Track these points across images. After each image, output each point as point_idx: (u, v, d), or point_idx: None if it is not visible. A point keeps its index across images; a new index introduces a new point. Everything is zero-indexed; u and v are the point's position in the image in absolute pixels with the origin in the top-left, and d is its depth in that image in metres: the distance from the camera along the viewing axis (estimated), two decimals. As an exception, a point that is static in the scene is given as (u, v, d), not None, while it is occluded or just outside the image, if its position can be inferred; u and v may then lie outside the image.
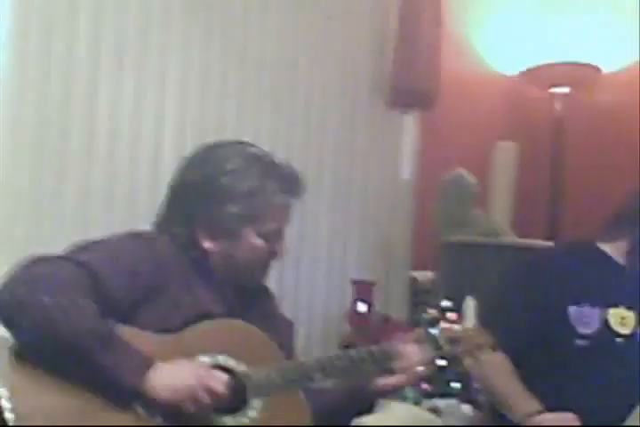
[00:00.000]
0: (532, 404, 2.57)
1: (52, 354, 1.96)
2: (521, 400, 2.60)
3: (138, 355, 1.98)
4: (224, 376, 2.03)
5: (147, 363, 1.98)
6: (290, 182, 2.19)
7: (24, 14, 3.24)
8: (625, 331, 2.65)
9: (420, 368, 2.20)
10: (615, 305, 2.66)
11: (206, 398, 1.98)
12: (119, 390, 1.96)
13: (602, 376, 2.59)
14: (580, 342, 2.63)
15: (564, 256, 2.77)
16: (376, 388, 2.20)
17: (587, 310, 2.65)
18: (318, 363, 2.14)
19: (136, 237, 2.18)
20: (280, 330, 2.30)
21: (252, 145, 2.26)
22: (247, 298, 2.27)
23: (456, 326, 2.34)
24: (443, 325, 2.30)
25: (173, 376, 1.98)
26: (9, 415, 1.92)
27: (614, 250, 2.73)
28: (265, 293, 2.35)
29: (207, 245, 2.18)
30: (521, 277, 2.77)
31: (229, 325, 2.16)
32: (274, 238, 2.19)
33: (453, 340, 2.26)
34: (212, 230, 2.17)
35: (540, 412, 2.56)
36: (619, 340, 2.65)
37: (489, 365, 2.57)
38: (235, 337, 2.14)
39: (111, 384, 1.96)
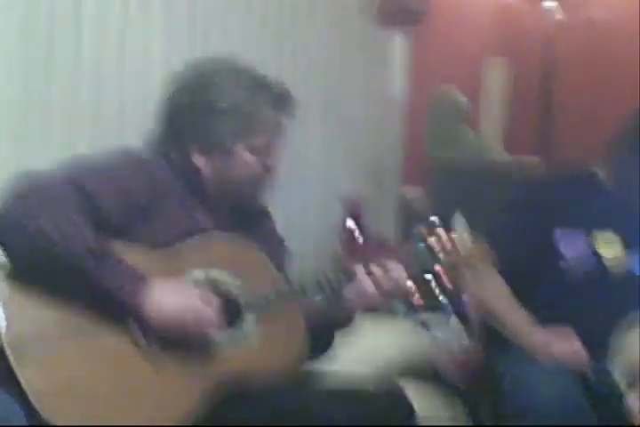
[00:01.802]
0: (532, 324, 2.59)
1: (47, 269, 1.99)
2: (519, 321, 2.62)
3: (132, 271, 2.00)
4: (218, 302, 2.04)
5: (141, 280, 2.00)
6: (279, 98, 2.20)
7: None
8: (610, 255, 2.67)
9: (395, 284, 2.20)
10: (602, 229, 2.66)
11: (199, 327, 2.02)
12: (113, 305, 1.98)
13: (587, 298, 2.61)
14: (564, 264, 2.65)
15: (556, 183, 2.78)
16: (349, 301, 2.20)
17: (573, 233, 2.66)
18: (312, 278, 2.15)
19: (129, 156, 2.20)
20: (274, 248, 2.31)
21: (240, 63, 2.24)
22: (244, 218, 2.29)
23: (453, 235, 2.26)
24: (436, 236, 2.26)
25: (167, 302, 2.00)
26: (3, 331, 1.95)
27: (607, 176, 2.73)
28: (264, 214, 2.37)
29: (200, 162, 2.19)
30: (513, 200, 2.80)
31: (225, 238, 2.18)
32: (265, 153, 2.19)
33: (449, 249, 2.25)
34: (204, 147, 2.18)
35: (540, 331, 2.58)
36: (605, 263, 2.66)
37: (484, 283, 2.60)
38: (230, 251, 2.16)
39: (105, 299, 1.98)
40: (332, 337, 2.28)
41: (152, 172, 2.16)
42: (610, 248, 2.66)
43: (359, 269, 2.17)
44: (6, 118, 3.22)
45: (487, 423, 2.76)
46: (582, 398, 2.45)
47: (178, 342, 2.03)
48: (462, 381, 3.09)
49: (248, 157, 2.18)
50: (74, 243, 1.96)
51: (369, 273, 2.16)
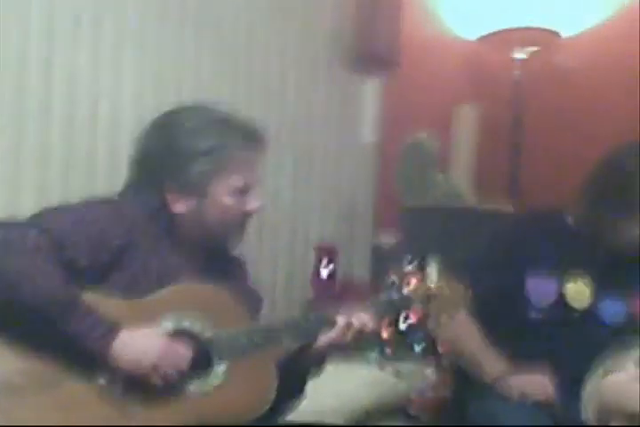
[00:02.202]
0: (503, 366, 2.63)
1: (16, 320, 1.96)
2: (492, 363, 2.64)
3: (103, 322, 1.99)
4: (187, 352, 2.05)
5: (112, 330, 1.99)
6: (250, 136, 2.22)
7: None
8: (580, 306, 2.70)
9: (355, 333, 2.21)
10: (573, 278, 2.70)
11: (169, 373, 2.02)
12: (83, 358, 1.97)
13: (555, 350, 2.63)
14: (534, 314, 2.68)
15: (527, 225, 2.81)
16: (318, 345, 2.21)
17: (544, 282, 2.69)
18: (287, 325, 2.17)
19: (103, 202, 2.21)
20: (247, 297, 2.29)
21: (211, 107, 2.26)
22: (219, 267, 2.29)
23: (433, 283, 2.31)
24: (416, 283, 2.30)
25: (136, 348, 2.00)
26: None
27: (576, 219, 2.76)
28: (238, 263, 2.38)
29: (178, 207, 2.20)
30: (486, 243, 2.83)
31: (198, 288, 2.17)
32: (242, 195, 2.21)
33: (429, 296, 2.28)
34: (180, 191, 2.18)
35: (510, 374, 2.61)
36: (574, 314, 2.69)
37: (458, 325, 2.59)
38: (203, 300, 2.15)
39: (75, 352, 1.96)
40: (304, 383, 2.29)
41: (126, 217, 2.16)
42: (580, 298, 2.69)
43: (340, 320, 2.19)
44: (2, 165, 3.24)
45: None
46: None
47: (145, 389, 2.02)
48: (433, 421, 3.12)
49: (225, 198, 2.19)
50: (41, 292, 1.94)
51: (348, 324, 2.19)
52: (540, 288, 2.69)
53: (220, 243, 2.27)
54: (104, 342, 1.97)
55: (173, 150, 2.18)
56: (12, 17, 3.27)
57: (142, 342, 2.01)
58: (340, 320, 2.18)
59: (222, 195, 2.19)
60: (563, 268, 2.69)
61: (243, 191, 2.20)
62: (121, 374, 2.00)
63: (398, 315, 2.41)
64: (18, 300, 1.94)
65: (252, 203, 2.22)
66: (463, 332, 2.67)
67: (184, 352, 2.05)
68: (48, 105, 3.38)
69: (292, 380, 2.24)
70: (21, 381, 1.97)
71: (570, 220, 2.77)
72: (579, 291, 2.69)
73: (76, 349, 1.96)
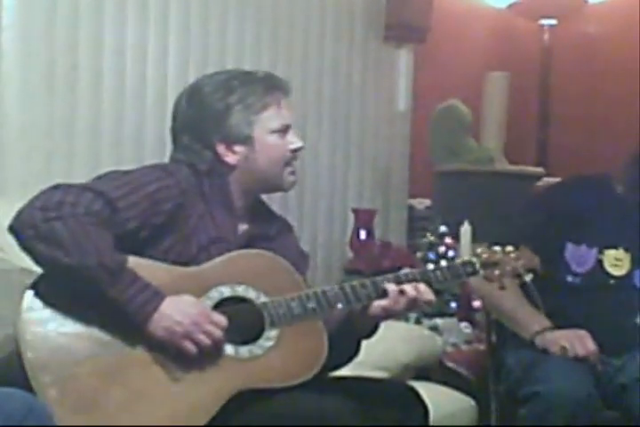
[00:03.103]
0: (543, 321, 2.63)
1: (64, 283, 2.02)
2: (531, 318, 2.65)
3: (147, 289, 2.02)
4: (222, 319, 2.06)
5: (155, 298, 2.02)
6: (271, 81, 2.30)
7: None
8: (618, 273, 2.71)
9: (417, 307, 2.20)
10: (613, 246, 2.71)
11: (203, 340, 2.04)
12: (127, 325, 2.01)
13: (591, 315, 2.65)
14: (571, 279, 2.71)
15: (573, 190, 2.80)
16: (372, 310, 2.19)
17: (583, 248, 2.71)
18: (342, 292, 2.17)
19: (156, 167, 2.25)
20: (297, 261, 2.30)
21: (232, 69, 2.39)
22: (266, 227, 2.34)
23: (496, 248, 2.25)
24: (480, 248, 2.25)
25: (171, 316, 2.02)
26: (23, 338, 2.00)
27: (624, 188, 2.76)
28: (286, 227, 2.41)
29: (230, 159, 2.26)
30: (528, 207, 2.85)
31: (251, 255, 2.21)
32: (283, 135, 2.28)
33: (491, 264, 2.24)
34: (228, 143, 2.25)
35: (551, 329, 2.63)
36: (612, 281, 2.71)
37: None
38: (257, 267, 2.18)
39: (120, 318, 2.01)
40: (358, 347, 2.29)
41: (178, 178, 2.20)
42: (618, 265, 2.70)
43: (391, 288, 2.18)
44: (34, 140, 3.29)
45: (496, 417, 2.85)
46: (593, 388, 2.50)
47: (188, 356, 2.05)
48: (473, 377, 3.18)
49: (269, 138, 2.27)
50: (89, 256, 1.98)
51: (401, 291, 2.17)
52: (579, 254, 2.71)
53: (277, 186, 2.32)
54: (145, 312, 2.00)
55: (209, 109, 2.25)
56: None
57: (178, 310, 2.04)
58: (393, 288, 2.17)
59: (265, 136, 2.26)
60: (604, 235, 2.70)
61: (282, 131, 2.27)
62: (159, 342, 2.02)
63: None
64: (66, 262, 1.98)
65: (295, 142, 2.29)
66: (500, 291, 2.54)
67: (219, 320, 2.06)
68: (99, 79, 3.48)
69: (346, 344, 2.25)
70: (75, 343, 2.02)
71: (617, 187, 2.76)
72: (618, 258, 2.70)
73: (121, 314, 2.00)
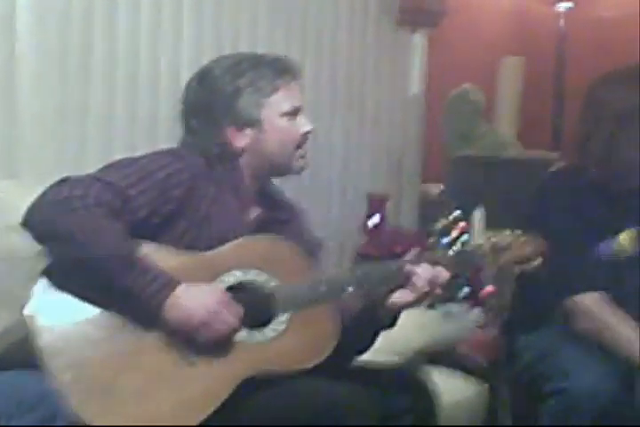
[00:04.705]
0: None
1: (77, 273, 2.04)
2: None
3: (160, 276, 2.03)
4: (240, 309, 2.08)
5: (168, 286, 2.03)
6: (282, 64, 2.30)
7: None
8: (634, 251, 2.65)
9: (435, 289, 2.18)
10: (627, 230, 2.65)
11: (221, 330, 2.05)
12: (140, 312, 2.03)
13: (622, 292, 2.62)
14: (603, 256, 2.64)
15: (578, 184, 2.71)
16: (391, 303, 2.20)
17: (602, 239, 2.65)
18: (352, 275, 2.19)
19: (166, 153, 2.26)
20: (309, 246, 2.34)
21: (242, 52, 2.42)
22: (278, 212, 2.35)
23: (506, 233, 2.27)
24: (489, 233, 2.26)
25: (187, 306, 2.03)
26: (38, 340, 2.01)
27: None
28: (297, 212, 2.43)
29: (239, 141, 2.26)
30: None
31: (262, 240, 2.23)
32: (293, 118, 2.29)
33: (501, 248, 2.24)
34: (237, 126, 2.26)
35: None
36: (633, 259, 2.64)
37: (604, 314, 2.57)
38: (268, 252, 2.20)
39: (133, 306, 2.03)
40: (375, 337, 2.30)
41: (188, 164, 2.21)
42: (633, 244, 2.65)
43: (407, 268, 2.17)
44: (47, 127, 3.31)
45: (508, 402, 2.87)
46: (620, 391, 2.45)
47: (203, 341, 2.07)
48: (485, 363, 3.17)
49: (278, 121, 2.27)
50: (100, 247, 2.01)
51: (414, 273, 2.17)
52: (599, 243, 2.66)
53: (287, 169, 2.32)
54: (158, 299, 2.02)
55: (218, 91, 2.25)
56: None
57: (195, 299, 2.04)
58: (420, 281, 2.16)
59: (275, 119, 2.27)
60: (617, 224, 2.66)
61: (292, 114, 2.28)
62: (173, 325, 2.04)
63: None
64: (79, 253, 2.01)
65: (305, 125, 2.30)
66: (612, 319, 2.57)
67: (237, 310, 2.08)
68: (112, 64, 3.48)
69: (365, 333, 2.27)
70: (91, 329, 2.04)
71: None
72: (632, 238, 2.66)
73: (135, 303, 2.02)
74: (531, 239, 2.28)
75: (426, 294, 2.18)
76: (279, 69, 2.29)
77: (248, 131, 2.26)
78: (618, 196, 2.66)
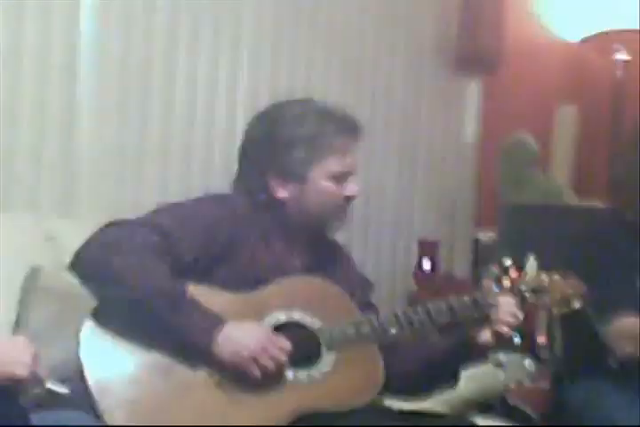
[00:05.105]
0: None
1: (125, 314, 2.07)
2: None
3: (209, 315, 2.06)
4: (287, 344, 2.09)
5: (217, 323, 2.06)
6: (347, 124, 2.27)
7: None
8: None
9: (512, 319, 2.22)
10: None
11: (269, 364, 2.07)
12: (190, 350, 2.06)
13: None
14: None
15: (610, 225, 2.73)
16: (477, 341, 2.24)
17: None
18: (394, 317, 2.20)
19: (212, 197, 2.30)
20: (357, 288, 2.37)
21: (312, 99, 2.35)
22: (324, 255, 2.37)
23: (543, 275, 2.30)
24: (529, 275, 2.30)
25: (237, 339, 2.06)
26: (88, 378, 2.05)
27: None
28: (343, 253, 2.45)
29: (280, 193, 2.26)
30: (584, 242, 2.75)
31: (306, 281, 2.25)
32: (341, 180, 2.27)
33: (538, 290, 2.27)
34: (282, 178, 2.25)
35: None
36: None
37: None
38: (311, 293, 2.22)
39: (182, 344, 2.05)
40: (457, 373, 2.33)
41: (234, 208, 2.24)
42: None
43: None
44: (105, 164, 3.38)
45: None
46: None
47: (250, 379, 2.08)
48: (536, 415, 3.16)
49: (324, 183, 2.26)
50: (150, 288, 2.04)
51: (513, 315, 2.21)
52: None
53: (323, 228, 2.32)
54: (209, 336, 2.04)
55: (275, 138, 2.24)
56: (139, 18, 3.46)
57: (244, 334, 2.07)
58: (508, 316, 2.21)
59: (321, 180, 2.25)
60: None
61: (341, 177, 2.25)
62: (223, 365, 2.06)
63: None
64: (125, 294, 2.04)
65: (351, 188, 2.27)
66: None
67: (284, 345, 2.09)
68: (169, 108, 3.55)
69: (447, 373, 2.31)
70: (139, 371, 2.08)
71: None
72: None
73: (183, 341, 2.05)
74: (570, 281, 2.29)
75: (509, 328, 2.21)
76: (342, 129, 2.26)
77: (291, 185, 2.26)
78: None
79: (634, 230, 2.65)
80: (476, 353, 2.29)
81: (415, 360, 2.28)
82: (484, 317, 2.22)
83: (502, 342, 2.25)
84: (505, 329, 2.21)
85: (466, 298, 2.23)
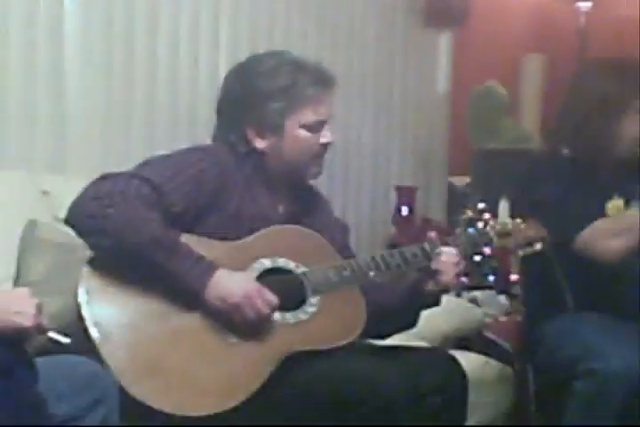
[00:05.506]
0: None
1: (122, 262, 2.13)
2: None
3: (202, 261, 2.12)
4: (274, 298, 2.16)
5: (210, 269, 2.12)
6: (320, 75, 2.32)
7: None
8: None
9: (458, 268, 2.31)
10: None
11: (250, 314, 2.14)
12: (184, 295, 2.13)
13: None
14: None
15: (569, 166, 2.81)
16: (431, 287, 2.32)
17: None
18: (372, 261, 2.29)
19: (198, 149, 2.35)
20: (336, 232, 2.46)
21: (284, 52, 2.40)
22: (305, 202, 2.45)
23: (507, 220, 2.43)
24: (492, 221, 2.41)
25: (226, 286, 2.12)
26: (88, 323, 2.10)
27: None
28: (321, 200, 2.52)
29: (258, 144, 2.30)
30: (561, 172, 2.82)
31: (289, 230, 2.33)
32: (317, 130, 2.32)
33: (504, 234, 2.37)
34: (260, 129, 2.30)
35: None
36: None
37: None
38: (294, 241, 2.30)
39: (177, 289, 2.12)
40: (417, 317, 2.41)
41: (218, 159, 2.28)
42: (620, 212, 2.73)
43: (449, 267, 2.29)
44: (94, 124, 3.44)
45: (533, 387, 2.91)
46: None
47: (242, 324, 2.16)
48: (510, 347, 3.26)
49: (300, 132, 2.31)
50: (144, 237, 2.09)
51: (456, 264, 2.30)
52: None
53: (303, 176, 2.37)
54: (202, 281, 2.10)
55: (250, 91, 2.28)
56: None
57: (233, 282, 2.12)
58: (449, 267, 2.29)
59: (297, 129, 2.29)
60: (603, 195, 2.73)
61: (316, 126, 2.30)
62: (214, 308, 2.13)
63: (479, 249, 2.44)
64: (122, 244, 2.09)
65: (326, 136, 2.32)
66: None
67: (271, 298, 2.15)
68: (153, 65, 3.61)
69: (407, 313, 2.39)
70: (136, 316, 2.13)
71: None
72: (617, 206, 2.75)
73: (178, 286, 2.11)
74: (531, 226, 2.40)
75: (456, 275, 2.31)
76: (315, 80, 2.31)
77: (268, 135, 2.31)
78: (595, 171, 2.75)
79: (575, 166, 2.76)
80: (430, 299, 2.37)
81: (375, 303, 2.34)
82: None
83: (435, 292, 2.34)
84: (445, 278, 2.31)
85: (414, 247, 2.32)
